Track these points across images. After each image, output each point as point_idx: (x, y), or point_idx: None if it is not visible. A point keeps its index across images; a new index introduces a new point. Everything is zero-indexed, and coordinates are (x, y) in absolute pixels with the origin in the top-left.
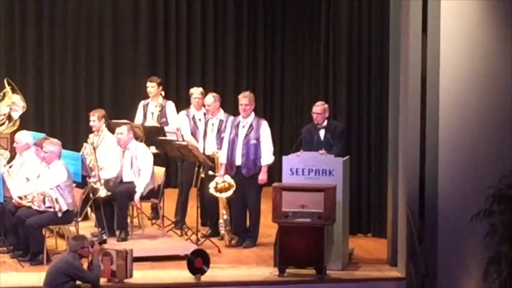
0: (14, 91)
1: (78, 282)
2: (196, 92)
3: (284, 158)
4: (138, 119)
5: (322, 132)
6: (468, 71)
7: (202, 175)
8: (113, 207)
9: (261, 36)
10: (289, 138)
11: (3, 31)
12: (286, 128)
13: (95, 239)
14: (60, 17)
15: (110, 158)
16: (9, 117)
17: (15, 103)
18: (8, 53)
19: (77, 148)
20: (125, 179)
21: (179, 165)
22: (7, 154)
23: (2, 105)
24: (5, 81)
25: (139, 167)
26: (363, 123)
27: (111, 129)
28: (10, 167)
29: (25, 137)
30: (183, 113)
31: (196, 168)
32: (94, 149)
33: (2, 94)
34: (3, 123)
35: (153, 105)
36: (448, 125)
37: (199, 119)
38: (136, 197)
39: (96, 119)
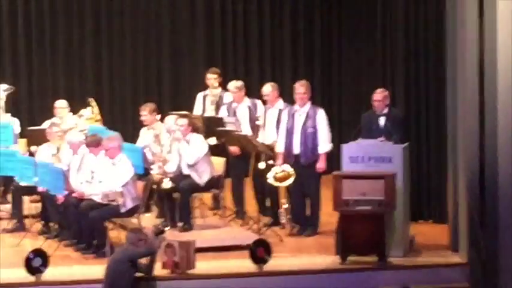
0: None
1: (137, 275)
2: (231, 85)
3: (343, 145)
4: (197, 110)
5: (381, 120)
6: None
7: (262, 166)
8: (174, 198)
9: (318, 24)
10: (348, 126)
11: (62, 36)
12: (344, 116)
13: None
14: (117, 10)
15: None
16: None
17: (100, 121)
18: (66, 52)
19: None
20: (184, 172)
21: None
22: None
23: (92, 121)
24: (89, 100)
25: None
26: (421, 110)
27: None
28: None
29: (76, 136)
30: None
31: (254, 160)
32: (158, 140)
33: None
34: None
35: (212, 96)
36: (507, 111)
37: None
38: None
39: (147, 113)
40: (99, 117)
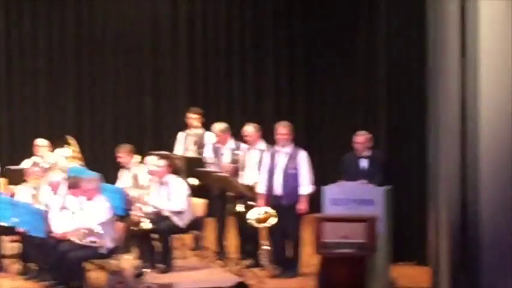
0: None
1: None
2: (215, 128)
3: (324, 188)
4: (178, 150)
5: (363, 162)
6: (509, 97)
7: (240, 208)
8: (153, 239)
9: (301, 63)
10: (330, 168)
11: (43, 75)
12: (326, 158)
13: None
14: (99, 48)
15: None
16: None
17: (80, 159)
18: (48, 91)
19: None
20: (164, 213)
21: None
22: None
23: (73, 160)
24: (67, 138)
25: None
26: (404, 153)
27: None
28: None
29: (56, 176)
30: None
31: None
32: (137, 181)
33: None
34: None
35: (193, 136)
36: (489, 154)
37: (222, 153)
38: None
39: (123, 155)
40: (79, 155)
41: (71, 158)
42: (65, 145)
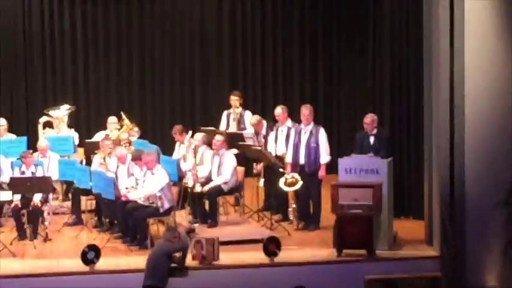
0: (130, 120)
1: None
2: (252, 120)
3: (340, 159)
4: (222, 126)
5: (371, 139)
6: (491, 78)
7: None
8: (203, 200)
9: (321, 56)
10: (344, 143)
11: (113, 63)
12: (342, 135)
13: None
14: (159, 41)
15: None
16: (130, 142)
17: (132, 130)
18: (117, 78)
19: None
20: (213, 178)
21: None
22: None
23: (123, 132)
24: (122, 113)
25: (222, 171)
26: (403, 130)
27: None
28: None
29: (123, 150)
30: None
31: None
32: (194, 153)
33: (120, 125)
34: (126, 146)
35: (234, 114)
36: (474, 130)
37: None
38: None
39: (176, 133)
40: (133, 127)
41: (125, 130)
42: (120, 119)
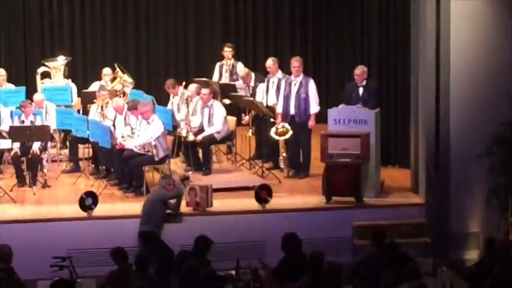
0: (123, 72)
1: (167, 212)
2: (241, 73)
3: (329, 110)
4: (215, 77)
5: (360, 90)
6: (478, 30)
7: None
8: (197, 148)
9: (310, 11)
10: (333, 93)
11: (110, 17)
12: (331, 86)
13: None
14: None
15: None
16: (124, 93)
17: (126, 81)
18: (112, 33)
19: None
20: (205, 128)
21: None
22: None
23: (117, 84)
24: (116, 65)
25: (213, 122)
26: (391, 82)
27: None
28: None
29: (120, 101)
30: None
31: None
32: (187, 103)
33: (114, 76)
34: (121, 97)
35: (227, 66)
36: (459, 83)
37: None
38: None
39: (169, 87)
40: (127, 79)
41: (119, 81)
42: (114, 71)
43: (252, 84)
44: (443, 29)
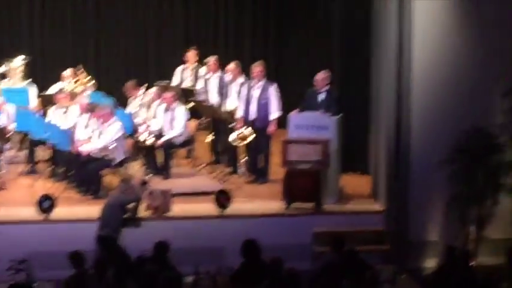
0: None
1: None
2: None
3: (289, 115)
4: (175, 81)
5: (321, 96)
6: (440, 37)
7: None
8: (156, 152)
9: (274, 14)
10: (295, 100)
11: (71, 19)
12: (293, 91)
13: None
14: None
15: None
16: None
17: (86, 83)
18: (73, 33)
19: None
20: (165, 133)
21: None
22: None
23: (78, 86)
24: (81, 67)
25: (174, 125)
26: (352, 88)
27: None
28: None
29: (84, 99)
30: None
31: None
32: (148, 106)
33: (77, 79)
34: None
35: (189, 70)
36: (420, 91)
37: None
38: (162, 140)
39: (129, 89)
40: (88, 81)
41: (81, 83)
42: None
43: (242, 79)
44: (405, 36)
